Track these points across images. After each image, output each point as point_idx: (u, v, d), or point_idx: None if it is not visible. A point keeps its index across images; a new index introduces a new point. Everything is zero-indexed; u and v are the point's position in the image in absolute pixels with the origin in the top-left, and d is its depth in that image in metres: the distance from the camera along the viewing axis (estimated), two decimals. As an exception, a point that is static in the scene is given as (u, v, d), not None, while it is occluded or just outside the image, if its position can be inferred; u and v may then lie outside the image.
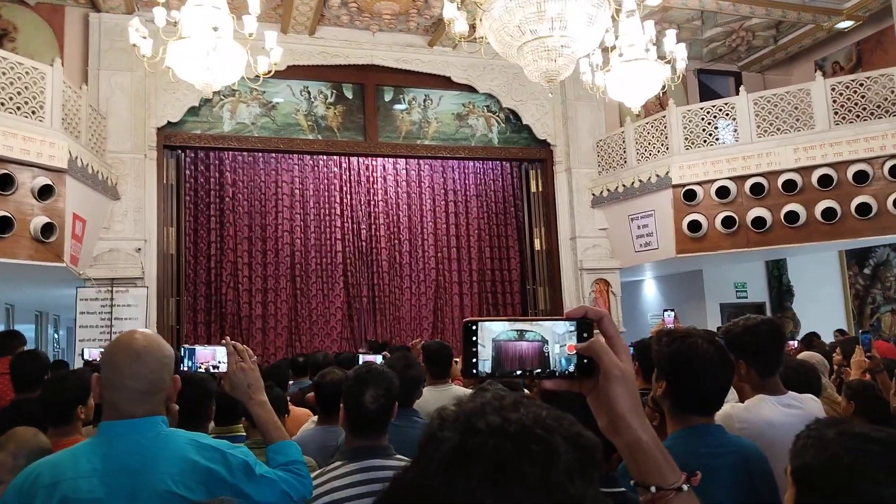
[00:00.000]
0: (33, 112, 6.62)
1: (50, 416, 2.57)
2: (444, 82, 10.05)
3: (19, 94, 6.51)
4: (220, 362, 1.90)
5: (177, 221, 9.14)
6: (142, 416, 1.60)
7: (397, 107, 10.09)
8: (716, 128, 9.10)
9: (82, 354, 6.88)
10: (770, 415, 2.21)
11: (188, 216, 9.65)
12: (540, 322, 0.89)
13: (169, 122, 8.85)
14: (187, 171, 9.65)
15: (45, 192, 6.62)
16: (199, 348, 1.92)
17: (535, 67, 5.02)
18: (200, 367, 1.90)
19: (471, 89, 10.15)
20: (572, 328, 0.89)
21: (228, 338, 2.03)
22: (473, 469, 0.61)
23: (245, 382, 1.89)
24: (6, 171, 6.27)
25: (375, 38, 9.72)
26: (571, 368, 0.89)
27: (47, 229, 6.60)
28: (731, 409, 2.30)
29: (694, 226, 8.86)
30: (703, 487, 1.68)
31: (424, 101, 10.16)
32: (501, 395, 0.69)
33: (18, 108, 6.49)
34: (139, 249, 8.49)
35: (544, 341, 0.88)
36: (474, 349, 0.87)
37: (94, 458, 1.56)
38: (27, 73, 6.61)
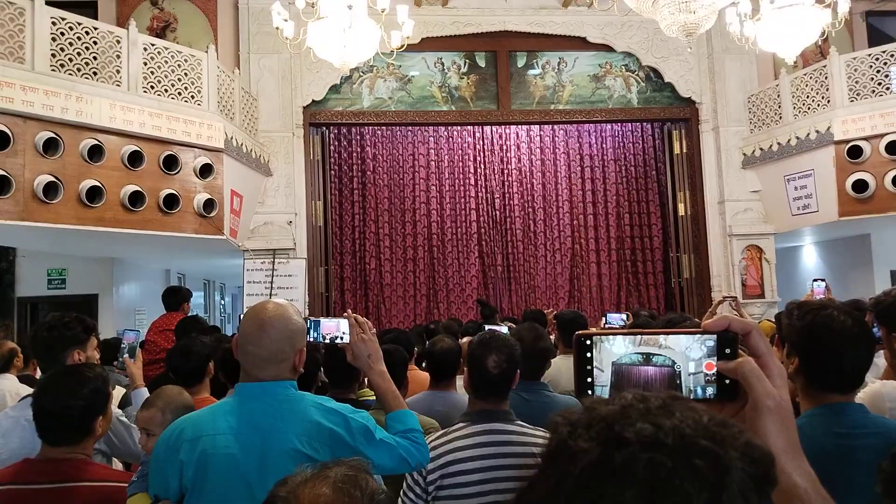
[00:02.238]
0: (192, 97, 7.20)
1: (181, 379, 2.84)
2: (580, 43, 9.74)
3: (180, 80, 7.10)
4: (343, 333, 2.00)
5: (323, 195, 9.64)
6: (269, 380, 1.73)
7: (531, 72, 9.93)
8: (886, 76, 8.16)
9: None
10: (929, 395, 1.99)
11: (333, 190, 10.14)
12: (670, 339, 0.75)
13: (313, 101, 9.29)
14: (331, 147, 10.12)
15: (205, 171, 7.21)
16: (323, 320, 2.03)
17: (672, 21, 4.74)
18: (325, 338, 2.01)
19: (608, 48, 9.76)
20: (711, 342, 0.75)
21: (350, 311, 2.14)
22: (623, 492, 0.48)
23: (365, 353, 1.98)
24: (171, 153, 6.88)
25: (507, 3, 9.58)
26: (710, 393, 0.75)
27: (208, 205, 7.19)
28: (882, 386, 2.10)
29: (860, 186, 8.05)
30: (840, 470, 1.56)
31: (559, 64, 9.91)
32: (645, 396, 0.56)
33: (179, 94, 7.08)
34: (290, 222, 9.05)
35: (674, 364, 0.75)
36: (589, 368, 0.75)
37: (230, 416, 1.71)
38: (186, 60, 7.18)
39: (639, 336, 0.76)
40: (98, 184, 6.23)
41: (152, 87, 6.86)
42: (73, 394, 2.02)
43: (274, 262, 8.64)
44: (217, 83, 7.47)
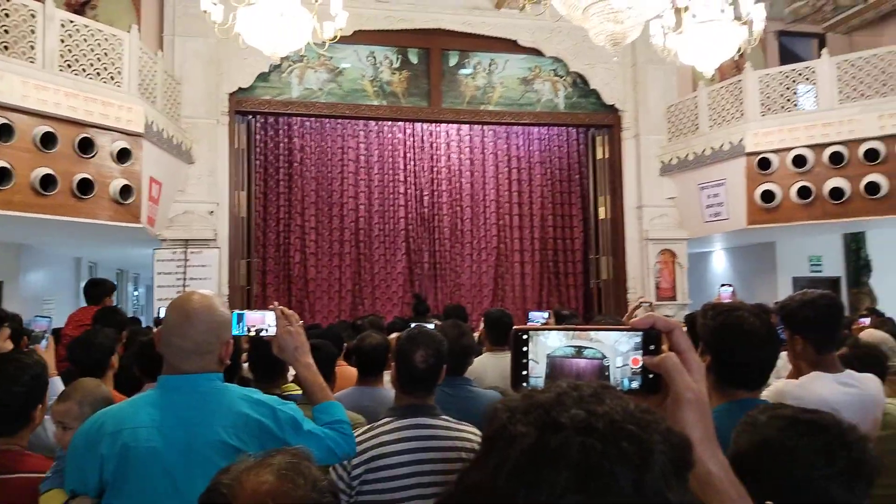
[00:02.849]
0: (112, 77, 6.90)
1: (83, 372, 2.76)
2: (511, 46, 9.89)
3: (99, 60, 6.79)
4: (269, 325, 1.98)
5: (247, 185, 9.42)
6: (194, 373, 1.70)
7: (462, 71, 10.02)
8: (795, 93, 8.67)
9: (158, 313, 7.23)
10: (825, 392, 2.15)
11: (258, 180, 9.93)
12: (600, 335, 0.81)
13: (240, 88, 9.06)
14: (257, 137, 9.90)
15: (123, 156, 6.93)
16: (248, 312, 2.00)
17: (600, 30, 4.89)
18: (250, 331, 1.99)
19: (537, 53, 9.95)
20: (637, 339, 0.81)
21: (277, 303, 2.12)
22: (558, 473, 0.52)
23: (292, 345, 1.97)
24: (87, 135, 6.58)
25: (441, 2, 9.63)
26: (635, 385, 0.80)
27: (125, 191, 6.92)
28: (784, 385, 2.25)
29: (767, 196, 8.53)
30: None
31: (490, 65, 10.04)
32: (578, 385, 0.60)
33: (98, 74, 6.77)
34: (212, 212, 8.80)
35: (604, 357, 0.80)
36: (525, 361, 0.80)
37: (152, 409, 1.67)
38: (106, 39, 6.87)
39: (572, 331, 0.81)
40: (6, 165, 5.89)
41: (69, 66, 6.53)
42: (14, 380, 1.93)
43: (186, 252, 8.39)
44: (139, 65, 7.19)
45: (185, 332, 1.69)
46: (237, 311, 2.02)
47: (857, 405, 2.09)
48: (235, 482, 0.99)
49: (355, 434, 2.16)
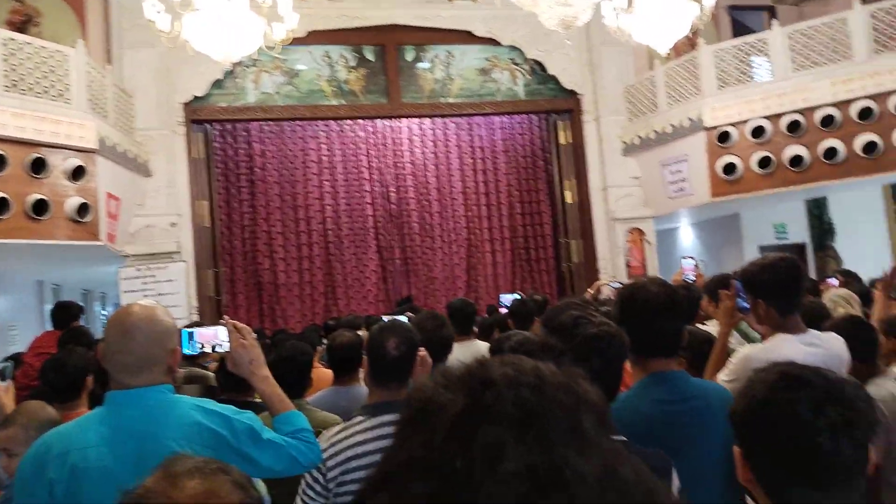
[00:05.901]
0: (60, 94, 6.73)
1: (57, 394, 2.67)
2: (467, 37, 9.85)
3: (45, 77, 6.62)
4: (222, 341, 1.93)
5: (209, 195, 9.28)
6: (141, 387, 1.64)
7: (420, 65, 9.97)
8: (749, 66, 8.76)
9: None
10: (791, 354, 2.14)
11: (220, 189, 9.79)
12: None
13: (195, 97, 8.91)
14: (216, 144, 9.77)
15: (77, 174, 6.76)
16: (198, 329, 1.96)
17: (550, 14, 4.89)
18: (203, 347, 1.94)
19: (494, 42, 9.93)
20: None
21: (227, 317, 2.07)
22: (494, 426, 0.49)
23: (247, 359, 1.91)
24: (39, 155, 6.41)
25: (394, -3, 9.56)
26: None
27: (83, 209, 6.76)
28: (750, 349, 2.25)
29: (729, 168, 8.62)
30: (668, 434, 1.71)
31: (447, 57, 10.00)
32: (502, 358, 0.58)
33: (45, 92, 6.60)
34: (174, 224, 8.66)
35: None
36: None
37: (101, 427, 1.61)
38: (51, 56, 6.70)
39: None
40: (-46, 190, 5.72)
41: (15, 85, 6.36)
42: None
43: (151, 268, 8.21)
44: (87, 80, 7.02)
45: (127, 347, 1.63)
46: (186, 329, 1.97)
47: (823, 364, 2.09)
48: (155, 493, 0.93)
49: (329, 434, 2.12)
